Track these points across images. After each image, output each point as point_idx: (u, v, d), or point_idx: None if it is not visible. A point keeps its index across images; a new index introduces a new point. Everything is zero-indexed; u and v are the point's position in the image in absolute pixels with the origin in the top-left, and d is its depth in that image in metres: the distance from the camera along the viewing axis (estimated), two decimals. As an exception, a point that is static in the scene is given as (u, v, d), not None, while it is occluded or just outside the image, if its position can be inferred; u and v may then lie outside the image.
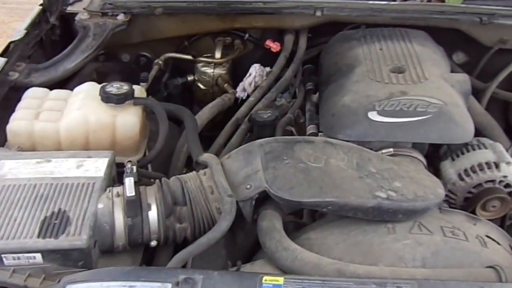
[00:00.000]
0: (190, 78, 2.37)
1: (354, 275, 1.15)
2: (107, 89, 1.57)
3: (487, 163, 1.53)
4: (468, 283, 1.11)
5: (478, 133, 1.79)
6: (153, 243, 1.31)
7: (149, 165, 1.66)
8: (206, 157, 1.47)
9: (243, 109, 2.00)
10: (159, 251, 1.37)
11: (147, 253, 1.36)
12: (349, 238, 1.32)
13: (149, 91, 2.03)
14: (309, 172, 1.35)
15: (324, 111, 1.73)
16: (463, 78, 1.73)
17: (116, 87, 1.58)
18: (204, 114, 1.98)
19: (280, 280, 1.05)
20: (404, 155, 1.54)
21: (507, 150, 1.82)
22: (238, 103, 2.15)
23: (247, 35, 2.30)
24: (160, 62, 2.24)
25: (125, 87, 1.59)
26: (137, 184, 1.34)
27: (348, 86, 1.72)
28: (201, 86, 2.37)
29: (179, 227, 1.35)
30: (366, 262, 1.23)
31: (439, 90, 1.62)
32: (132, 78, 1.97)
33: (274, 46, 2.18)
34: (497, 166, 1.52)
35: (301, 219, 1.57)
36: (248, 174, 1.38)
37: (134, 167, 1.38)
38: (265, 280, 1.05)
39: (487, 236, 1.37)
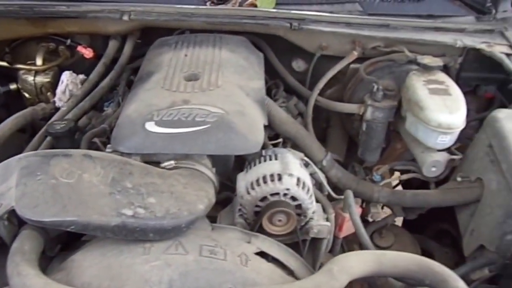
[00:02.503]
0: (13, 86, 2.22)
1: None
2: None
3: (271, 175, 1.46)
4: None
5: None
6: None
7: None
8: None
9: (53, 119, 1.87)
10: None
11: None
12: (104, 259, 1.22)
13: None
14: (58, 189, 1.25)
15: None
16: (258, 86, 1.66)
17: None
18: (6, 125, 1.83)
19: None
20: (186, 168, 1.45)
21: (321, 160, 1.80)
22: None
23: (68, 41, 2.18)
24: (-33, 69, 2.08)
25: None
26: None
27: (139, 95, 1.62)
28: (27, 95, 2.23)
29: None
30: (113, 286, 1.15)
31: (226, 99, 1.54)
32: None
33: (86, 52, 2.07)
34: (280, 178, 1.44)
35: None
36: (2, 192, 1.28)
37: None
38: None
39: (259, 253, 1.32)
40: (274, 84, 2.24)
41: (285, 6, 2.00)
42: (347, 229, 1.71)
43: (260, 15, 1.93)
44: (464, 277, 1.58)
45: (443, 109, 1.65)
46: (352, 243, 2.23)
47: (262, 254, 1.36)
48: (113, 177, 1.30)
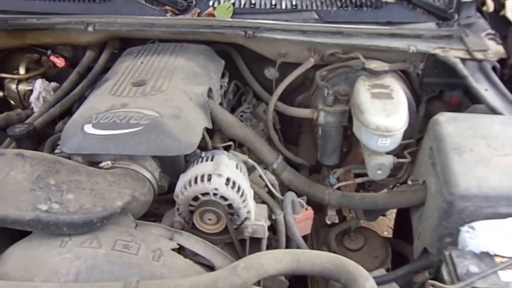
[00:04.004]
0: (0, 94, 2.35)
1: None
2: None
3: (202, 176, 1.51)
4: None
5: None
6: None
7: None
8: None
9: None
10: None
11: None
12: (26, 252, 1.30)
13: None
14: None
15: None
16: (201, 91, 1.72)
17: None
18: None
19: None
20: (121, 168, 1.52)
21: (272, 163, 1.85)
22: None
23: (49, 52, 2.30)
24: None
25: None
26: None
27: (89, 100, 1.71)
28: (12, 102, 2.35)
29: None
30: (25, 277, 1.22)
31: (164, 102, 1.60)
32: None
33: (58, 61, 2.19)
34: (209, 178, 1.49)
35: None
36: None
37: None
38: None
39: (176, 249, 1.37)
40: (246, 90, 2.31)
41: (243, 16, 2.05)
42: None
43: (217, 24, 1.99)
44: (405, 279, 1.62)
45: (380, 113, 1.67)
46: (322, 245, 2.27)
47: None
48: (39, 175, 1.37)
